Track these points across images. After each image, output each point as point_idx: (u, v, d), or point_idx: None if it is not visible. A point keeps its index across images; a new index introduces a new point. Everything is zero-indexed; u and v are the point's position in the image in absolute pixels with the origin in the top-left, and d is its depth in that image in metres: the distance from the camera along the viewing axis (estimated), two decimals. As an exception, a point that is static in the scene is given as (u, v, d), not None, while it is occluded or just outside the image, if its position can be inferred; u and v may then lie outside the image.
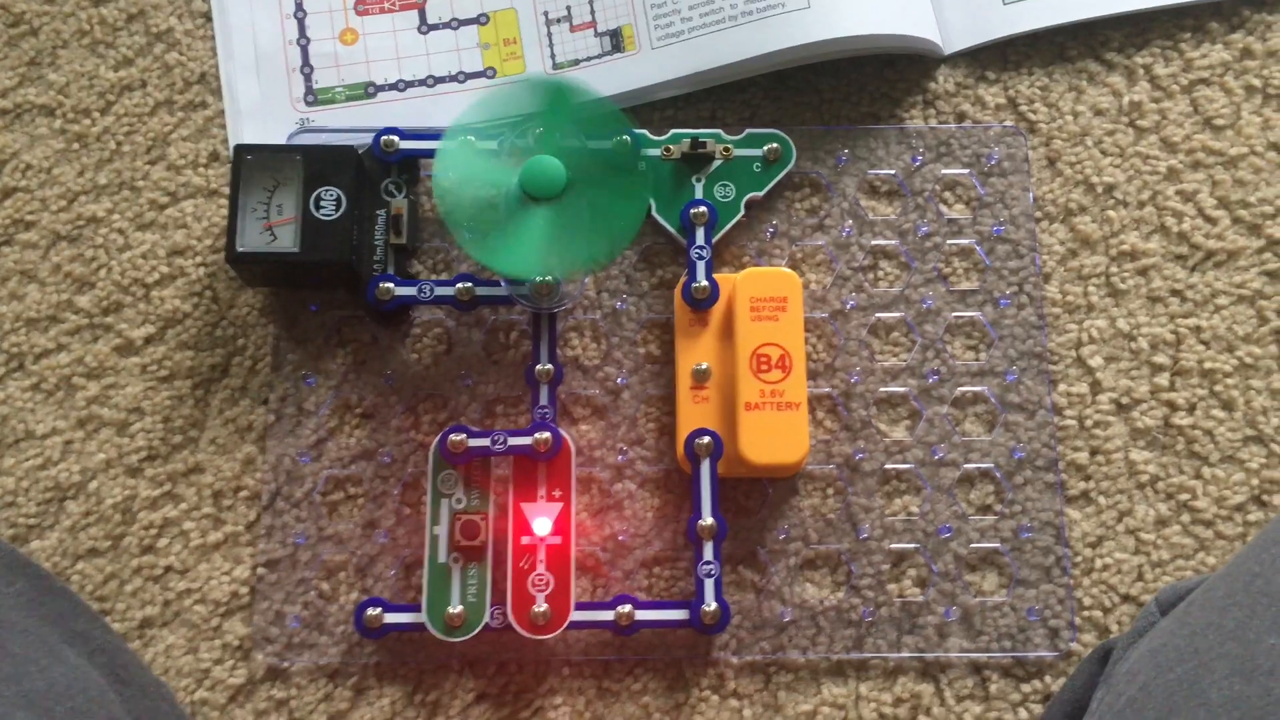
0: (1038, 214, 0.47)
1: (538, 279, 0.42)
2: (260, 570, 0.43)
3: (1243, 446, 0.44)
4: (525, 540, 0.41)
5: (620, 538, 0.43)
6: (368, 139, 0.45)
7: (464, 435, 0.42)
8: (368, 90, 0.47)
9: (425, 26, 0.48)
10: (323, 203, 0.43)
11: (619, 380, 0.45)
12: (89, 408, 0.45)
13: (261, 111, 0.47)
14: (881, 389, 0.45)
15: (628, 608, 0.41)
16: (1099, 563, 0.43)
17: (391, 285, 0.43)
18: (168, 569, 0.43)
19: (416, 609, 0.41)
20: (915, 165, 0.47)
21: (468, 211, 0.40)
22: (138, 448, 0.44)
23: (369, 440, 0.44)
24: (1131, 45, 0.49)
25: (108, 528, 0.43)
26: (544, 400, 0.44)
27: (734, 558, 0.43)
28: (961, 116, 0.48)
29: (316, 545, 0.43)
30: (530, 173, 0.39)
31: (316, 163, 0.43)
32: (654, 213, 0.46)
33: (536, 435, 0.42)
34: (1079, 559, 0.43)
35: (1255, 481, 0.44)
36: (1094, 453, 0.44)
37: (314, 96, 0.47)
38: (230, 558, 0.43)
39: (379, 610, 0.41)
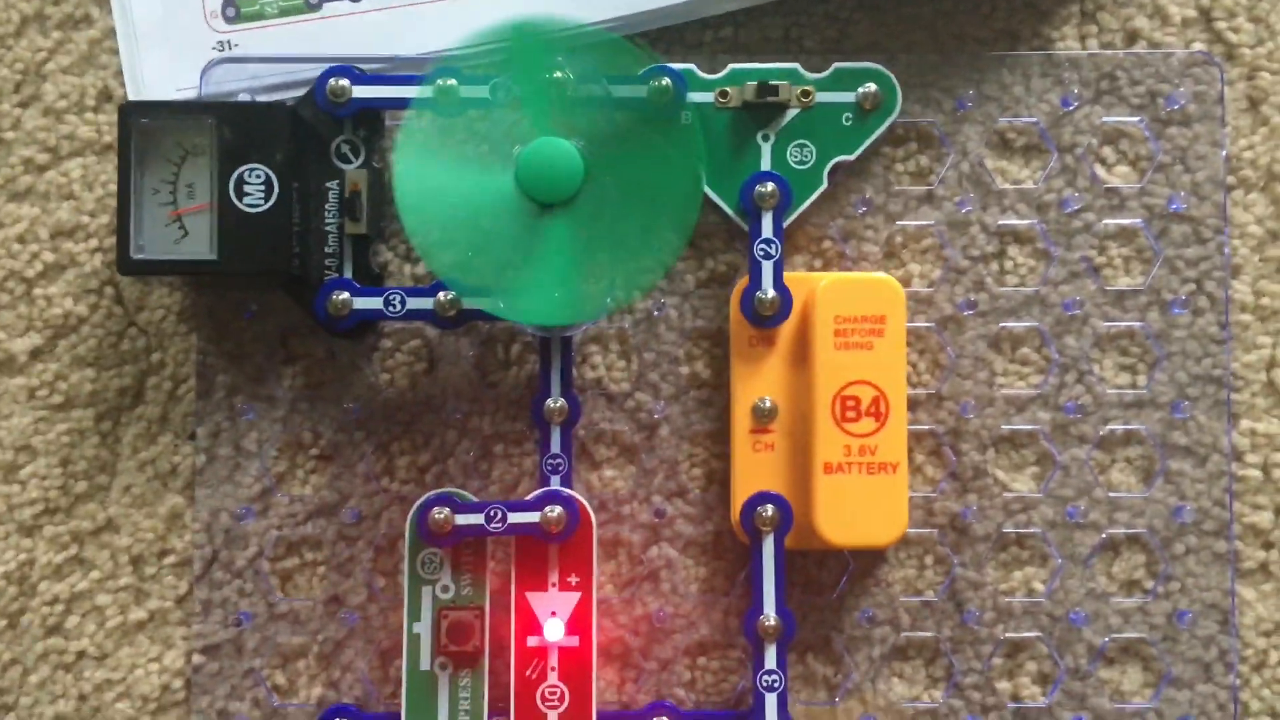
0: (1231, 180, 0.34)
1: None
2: (196, 658, 0.34)
3: None
4: (532, 642, 0.32)
5: (656, 620, 0.34)
6: (312, 73, 0.33)
7: (448, 510, 0.31)
8: (309, 2, 0.34)
9: (387, -98, 0.34)
10: (247, 187, 0.31)
11: (655, 412, 0.34)
12: (-34, 442, 0.34)
13: (165, 32, 0.34)
14: (1003, 425, 0.34)
15: (665, 721, 0.32)
16: (1274, 657, 0.34)
17: (348, 295, 0.32)
18: (81, 655, 0.34)
19: (395, 718, 0.32)
20: (1066, 110, 0.34)
21: (442, 222, 0.28)
22: (31, 499, 0.34)
23: (329, 491, 0.34)
24: (1380, -73, 0.34)
25: (1, 603, 0.34)
26: (555, 446, 0.33)
27: (801, 644, 0.34)
28: (1133, 37, 0.34)
29: (266, 626, 0.34)
30: (528, 168, 0.27)
31: (236, 129, 0.31)
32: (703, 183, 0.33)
33: (546, 512, 0.31)
34: (1249, 652, 0.34)
35: None
36: (1279, 513, 0.34)
37: (235, 10, 0.34)
38: (158, 640, 0.34)
39: (347, 725, 0.32)
